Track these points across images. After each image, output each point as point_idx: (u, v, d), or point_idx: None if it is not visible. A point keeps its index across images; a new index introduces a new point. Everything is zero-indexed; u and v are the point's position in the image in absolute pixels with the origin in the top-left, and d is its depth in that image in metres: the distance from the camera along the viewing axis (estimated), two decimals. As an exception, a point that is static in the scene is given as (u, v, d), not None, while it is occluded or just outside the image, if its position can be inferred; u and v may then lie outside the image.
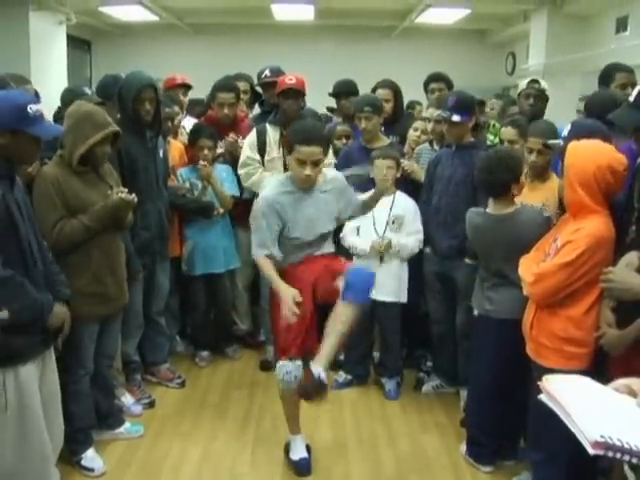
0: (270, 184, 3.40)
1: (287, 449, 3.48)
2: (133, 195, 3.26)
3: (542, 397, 1.82)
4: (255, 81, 5.22)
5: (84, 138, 3.12)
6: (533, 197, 3.37)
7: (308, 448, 3.46)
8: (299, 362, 3.16)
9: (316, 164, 3.19)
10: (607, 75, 4.05)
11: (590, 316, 2.71)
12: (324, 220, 3.33)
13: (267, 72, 4.85)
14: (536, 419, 2.97)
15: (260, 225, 3.23)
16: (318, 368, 3.02)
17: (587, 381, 1.85)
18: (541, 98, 4.30)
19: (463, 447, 3.51)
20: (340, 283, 3.07)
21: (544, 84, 4.35)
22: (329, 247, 3.45)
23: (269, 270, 3.20)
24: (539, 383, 1.93)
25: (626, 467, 2.29)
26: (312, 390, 3.03)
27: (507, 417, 3.31)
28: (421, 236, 4.09)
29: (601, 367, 2.71)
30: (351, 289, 3.05)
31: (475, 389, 3.41)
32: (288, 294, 3.03)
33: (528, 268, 2.86)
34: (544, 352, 2.83)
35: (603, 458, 2.80)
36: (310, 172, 3.18)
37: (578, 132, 2.90)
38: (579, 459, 2.85)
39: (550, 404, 1.80)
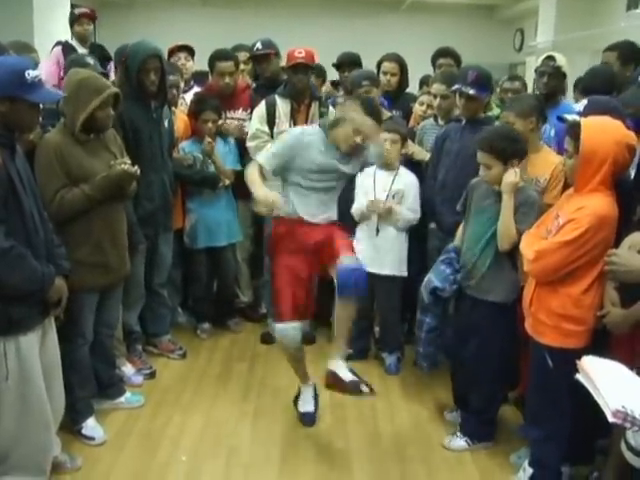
0: (312, 132, 3.45)
1: (297, 399, 3.60)
2: (136, 167, 3.23)
3: (578, 376, 1.96)
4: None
5: (84, 104, 3.08)
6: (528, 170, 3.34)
7: (317, 399, 3.60)
8: (295, 324, 3.33)
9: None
10: None
11: (589, 295, 2.70)
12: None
13: (259, 45, 4.74)
14: (535, 397, 2.98)
15: (278, 145, 3.41)
16: (341, 370, 3.30)
17: (622, 368, 2.02)
18: (556, 75, 4.23)
19: (451, 440, 3.46)
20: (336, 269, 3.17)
21: (560, 60, 4.26)
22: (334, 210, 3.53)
23: (254, 174, 3.34)
24: (577, 362, 2.02)
25: (623, 446, 2.30)
26: (351, 389, 3.43)
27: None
28: (418, 215, 4.10)
29: (603, 346, 2.72)
30: (345, 287, 3.18)
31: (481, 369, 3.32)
32: (265, 196, 3.19)
33: (530, 244, 2.84)
34: (542, 329, 2.82)
35: (602, 437, 2.83)
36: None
37: (595, 108, 2.86)
38: (577, 437, 2.88)
39: (583, 381, 1.94)
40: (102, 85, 3.18)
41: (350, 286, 3.16)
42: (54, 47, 5.57)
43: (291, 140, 3.39)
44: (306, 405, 3.59)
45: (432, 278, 3.40)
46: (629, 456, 2.25)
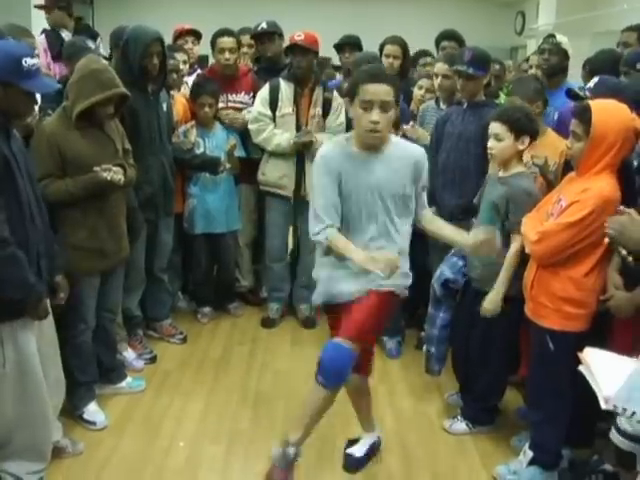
0: (328, 143, 2.84)
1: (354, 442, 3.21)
2: (120, 177, 3.14)
3: (581, 368, 2.01)
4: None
5: (86, 95, 3.05)
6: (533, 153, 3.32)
7: (372, 451, 3.17)
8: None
9: (385, 109, 2.58)
10: None
11: (591, 278, 2.70)
12: (395, 186, 2.71)
13: (263, 25, 4.72)
14: (536, 380, 2.99)
15: (322, 184, 2.65)
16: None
17: (623, 358, 2.04)
18: (556, 52, 4.21)
19: (451, 423, 3.46)
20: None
21: (561, 38, 4.25)
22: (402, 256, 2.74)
23: (344, 243, 2.59)
24: (579, 354, 2.04)
25: (613, 429, 2.36)
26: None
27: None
28: None
29: (605, 330, 2.72)
30: (324, 371, 2.65)
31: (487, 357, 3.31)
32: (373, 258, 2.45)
33: (532, 227, 2.83)
34: (543, 312, 2.82)
35: (602, 420, 2.83)
36: (378, 117, 2.56)
37: (604, 89, 2.83)
38: (578, 420, 2.89)
39: (584, 372, 2.01)
40: (111, 83, 3.13)
41: (331, 371, 2.64)
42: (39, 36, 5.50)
43: (321, 167, 2.69)
44: (356, 449, 3.13)
45: (444, 270, 3.37)
46: (616, 437, 2.34)
